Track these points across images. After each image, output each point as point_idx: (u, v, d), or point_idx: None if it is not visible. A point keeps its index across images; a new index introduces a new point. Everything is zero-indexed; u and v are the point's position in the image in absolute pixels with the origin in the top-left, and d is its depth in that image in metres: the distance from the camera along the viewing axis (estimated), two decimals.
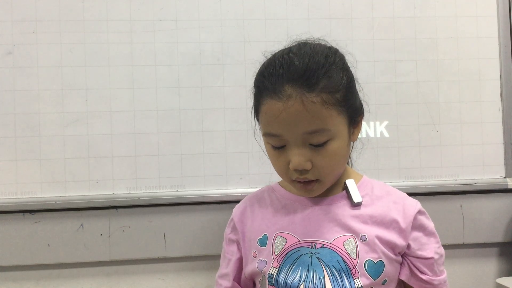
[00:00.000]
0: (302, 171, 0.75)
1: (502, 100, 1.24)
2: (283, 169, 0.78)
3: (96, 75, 1.15)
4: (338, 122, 0.74)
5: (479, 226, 1.23)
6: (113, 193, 1.15)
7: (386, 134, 1.22)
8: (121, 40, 1.16)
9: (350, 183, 0.83)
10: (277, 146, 0.76)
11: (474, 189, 1.21)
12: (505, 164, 1.24)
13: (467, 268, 1.25)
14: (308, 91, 0.71)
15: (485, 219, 1.23)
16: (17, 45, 1.14)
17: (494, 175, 1.24)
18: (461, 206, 1.22)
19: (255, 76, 0.80)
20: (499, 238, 1.23)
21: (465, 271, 1.25)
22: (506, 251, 1.26)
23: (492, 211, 1.23)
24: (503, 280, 1.15)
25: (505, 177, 1.23)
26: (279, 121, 0.72)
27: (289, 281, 0.76)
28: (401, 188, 1.15)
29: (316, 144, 0.73)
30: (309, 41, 0.80)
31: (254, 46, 1.18)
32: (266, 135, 0.77)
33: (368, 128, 1.21)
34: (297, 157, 0.74)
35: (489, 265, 1.26)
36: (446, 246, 1.22)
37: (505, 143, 1.24)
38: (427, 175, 1.22)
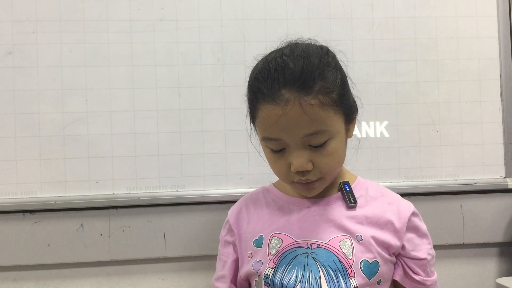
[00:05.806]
0: (303, 173, 0.75)
1: (502, 100, 1.24)
2: (283, 172, 0.78)
3: (96, 75, 1.15)
4: (335, 122, 0.74)
5: (479, 226, 1.23)
6: (113, 193, 1.15)
7: (386, 134, 1.22)
8: (121, 40, 1.16)
9: (345, 184, 0.83)
10: (277, 149, 0.76)
11: (474, 189, 1.21)
12: (505, 164, 1.24)
13: (467, 268, 1.25)
14: (305, 94, 0.71)
15: (485, 219, 1.23)
16: (17, 45, 1.14)
17: (494, 175, 1.24)
18: (461, 206, 1.22)
19: (248, 81, 0.79)
20: (499, 238, 1.23)
21: (465, 271, 1.25)
22: (506, 251, 1.26)
23: (492, 211, 1.23)
24: (503, 280, 1.15)
25: (505, 177, 1.23)
26: (278, 126, 0.72)
27: (285, 281, 0.76)
28: (401, 188, 1.17)
29: (316, 145, 0.74)
30: (299, 42, 0.80)
31: (254, 46, 1.18)
32: (265, 139, 0.76)
33: (368, 128, 1.21)
34: (298, 159, 0.74)
35: (489, 265, 1.26)
36: (446, 246, 1.23)
37: (505, 143, 1.24)
38: (427, 175, 1.22)
